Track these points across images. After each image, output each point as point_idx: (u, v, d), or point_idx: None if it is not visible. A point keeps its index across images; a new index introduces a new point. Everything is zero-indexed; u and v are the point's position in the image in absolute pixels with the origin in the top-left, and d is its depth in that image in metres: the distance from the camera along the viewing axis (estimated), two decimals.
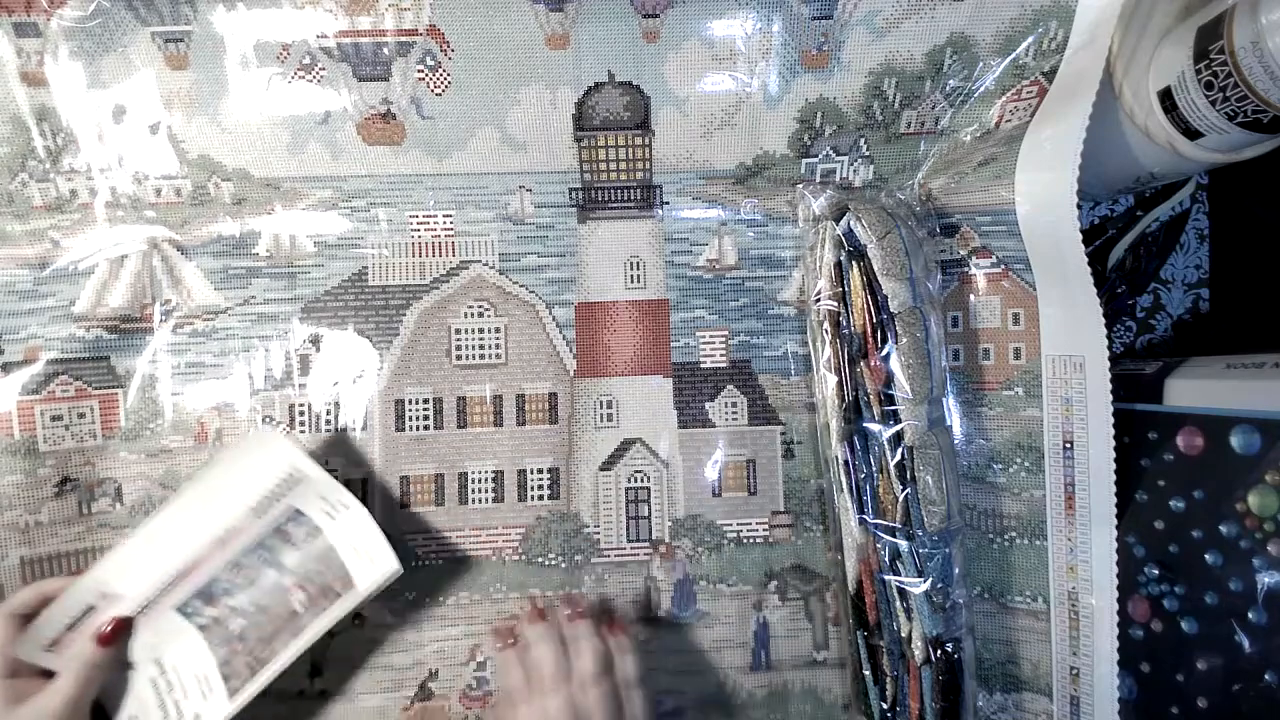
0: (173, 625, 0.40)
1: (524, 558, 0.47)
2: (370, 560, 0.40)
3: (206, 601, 0.40)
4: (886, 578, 0.42)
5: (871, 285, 0.41)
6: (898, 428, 0.41)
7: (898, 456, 0.41)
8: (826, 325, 0.43)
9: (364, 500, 0.46)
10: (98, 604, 0.40)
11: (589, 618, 0.41)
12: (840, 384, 0.43)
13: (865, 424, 0.42)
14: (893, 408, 0.41)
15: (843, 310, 0.43)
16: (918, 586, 0.41)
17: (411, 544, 0.46)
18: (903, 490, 0.41)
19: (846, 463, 0.43)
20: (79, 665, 0.38)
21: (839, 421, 0.43)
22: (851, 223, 0.42)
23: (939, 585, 0.41)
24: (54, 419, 0.44)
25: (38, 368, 0.44)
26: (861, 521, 0.43)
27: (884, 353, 0.41)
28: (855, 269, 0.42)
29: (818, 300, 0.44)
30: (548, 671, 0.39)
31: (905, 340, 0.41)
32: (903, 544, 0.41)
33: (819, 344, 0.44)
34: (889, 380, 0.41)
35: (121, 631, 0.39)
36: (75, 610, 0.39)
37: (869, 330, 0.41)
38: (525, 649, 0.40)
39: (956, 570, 0.43)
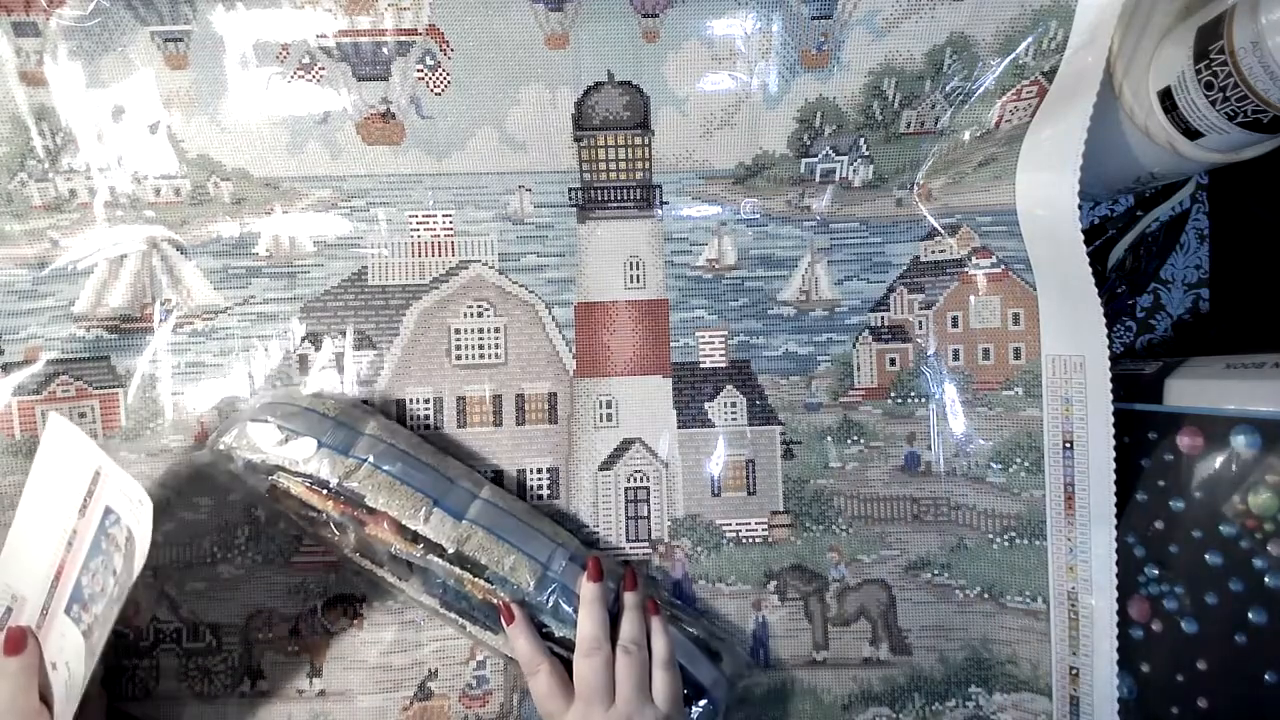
0: (68, 630, 0.39)
1: None
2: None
3: (83, 607, 0.39)
4: (554, 649, 0.41)
5: (309, 482, 0.40)
6: (435, 544, 0.40)
7: (456, 567, 0.40)
8: (331, 545, 0.43)
9: None
10: (13, 605, 0.40)
11: (638, 592, 0.42)
12: (380, 563, 0.42)
13: (417, 566, 0.41)
14: (415, 536, 0.40)
15: (315, 521, 0.42)
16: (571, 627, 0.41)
17: None
18: (488, 584, 0.40)
19: (440, 605, 0.42)
20: (6, 672, 0.37)
21: (406, 582, 0.42)
22: (249, 450, 0.40)
23: (565, 608, 0.41)
24: None
25: (38, 368, 0.44)
26: (498, 633, 0.42)
27: (366, 507, 0.40)
28: (283, 482, 0.40)
29: (329, 535, 0.42)
30: (595, 633, 0.40)
31: (370, 491, 0.40)
32: (540, 614, 0.41)
33: (359, 559, 0.43)
34: (394, 522, 0.40)
35: (20, 639, 0.38)
36: None
37: (343, 508, 0.40)
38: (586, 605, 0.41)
39: (571, 586, 0.42)
